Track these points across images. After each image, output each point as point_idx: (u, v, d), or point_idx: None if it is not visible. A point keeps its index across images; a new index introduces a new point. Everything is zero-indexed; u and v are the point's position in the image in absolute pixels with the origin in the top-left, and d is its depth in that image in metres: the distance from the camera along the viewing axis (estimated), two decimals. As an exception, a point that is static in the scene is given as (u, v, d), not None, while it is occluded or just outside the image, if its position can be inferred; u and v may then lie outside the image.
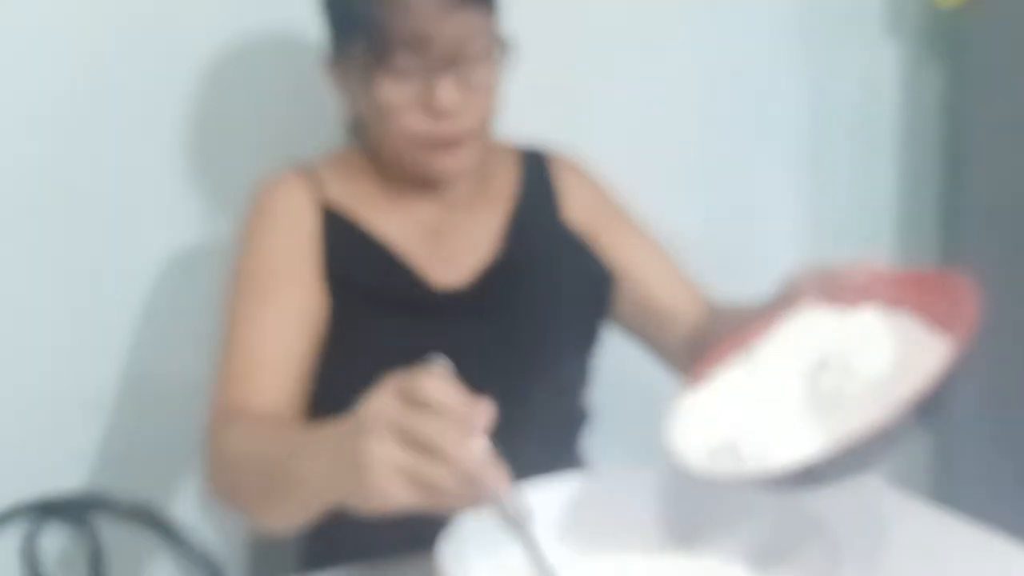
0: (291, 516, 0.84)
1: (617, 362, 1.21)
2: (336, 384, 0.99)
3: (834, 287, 0.81)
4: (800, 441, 0.69)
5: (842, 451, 0.60)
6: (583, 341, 1.13)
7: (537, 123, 1.21)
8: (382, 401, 0.65)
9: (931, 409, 0.63)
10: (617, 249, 1.15)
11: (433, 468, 0.63)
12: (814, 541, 0.72)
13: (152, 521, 1.35)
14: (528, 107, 1.17)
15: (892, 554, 0.91)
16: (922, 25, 1.76)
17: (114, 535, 1.35)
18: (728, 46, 1.63)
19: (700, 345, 1.06)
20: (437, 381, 0.64)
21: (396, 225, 1.06)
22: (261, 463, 0.82)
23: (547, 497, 0.80)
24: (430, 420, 0.63)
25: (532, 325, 1.04)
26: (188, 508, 1.40)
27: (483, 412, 0.64)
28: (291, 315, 0.99)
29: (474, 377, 0.70)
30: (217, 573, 1.35)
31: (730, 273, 1.10)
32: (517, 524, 0.67)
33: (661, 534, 0.82)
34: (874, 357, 0.72)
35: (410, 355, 0.99)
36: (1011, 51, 1.59)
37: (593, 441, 1.18)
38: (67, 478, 1.34)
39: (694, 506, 0.80)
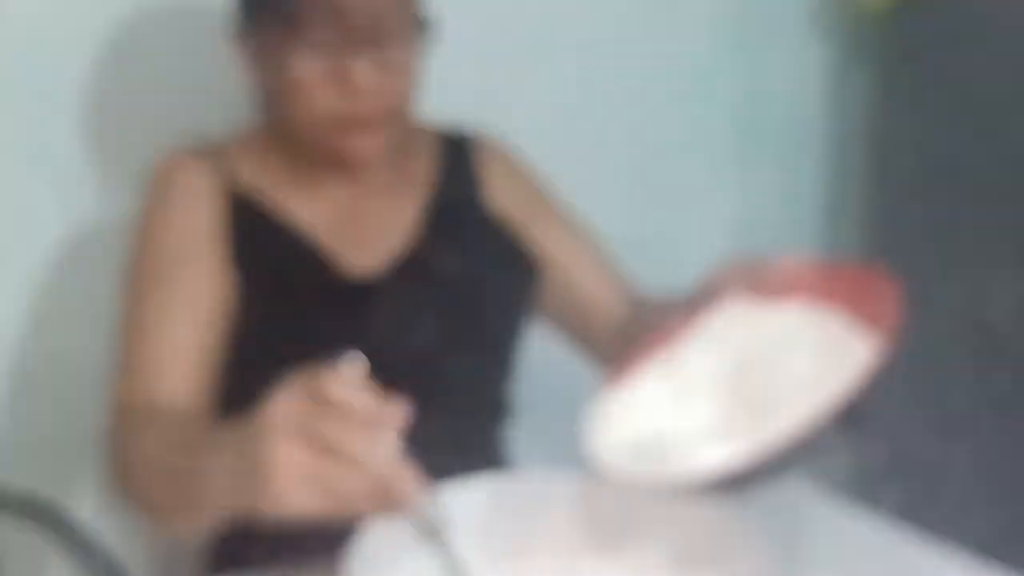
0: (196, 521, 0.80)
1: (541, 354, 1.18)
2: (246, 376, 0.94)
3: (758, 280, 0.80)
4: (724, 441, 0.68)
5: (765, 455, 0.60)
6: (503, 332, 1.10)
7: (460, 116, 1.18)
8: (286, 401, 0.61)
9: (854, 412, 0.63)
10: (543, 239, 1.12)
11: (340, 473, 0.59)
12: (738, 543, 0.70)
13: (48, 518, 1.28)
14: (452, 99, 1.14)
15: (815, 556, 0.90)
16: (849, 29, 1.79)
17: (7, 533, 1.28)
18: (657, 44, 1.64)
19: (626, 339, 1.04)
20: (344, 381, 0.60)
21: (307, 209, 1.02)
22: (165, 467, 0.78)
23: (464, 499, 0.77)
24: (337, 422, 0.59)
25: (448, 314, 1.01)
26: (87, 505, 1.34)
27: (394, 413, 0.61)
28: (194, 304, 0.95)
29: (388, 369, 0.66)
30: (119, 574, 1.29)
31: (656, 272, 1.09)
32: (430, 531, 0.64)
33: (582, 537, 0.79)
34: (797, 355, 0.71)
35: (321, 345, 0.96)
36: (936, 55, 1.62)
37: (516, 436, 1.16)
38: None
39: (616, 508, 0.77)
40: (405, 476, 0.61)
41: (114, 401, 0.93)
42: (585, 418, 0.74)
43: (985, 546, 0.92)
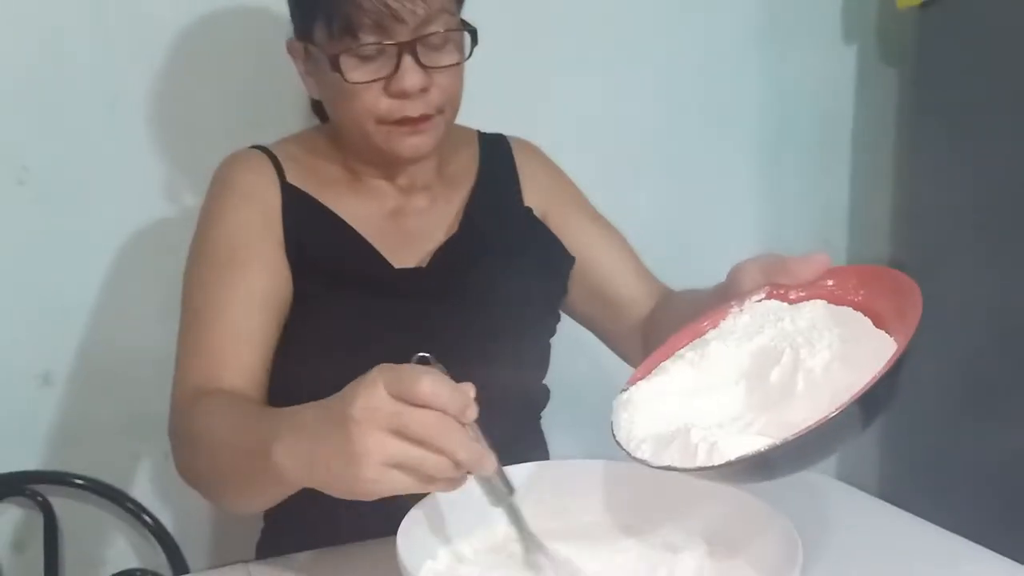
0: (257, 499, 0.85)
1: (573, 343, 1.22)
2: (294, 362, 1.01)
3: (782, 276, 0.82)
4: (747, 434, 0.70)
5: (787, 448, 0.61)
6: (542, 320, 1.14)
7: (497, 114, 1.21)
8: (374, 398, 0.66)
9: (874, 406, 0.64)
10: (574, 235, 1.16)
11: (430, 459, 0.66)
12: (763, 526, 0.75)
13: (109, 498, 1.35)
14: (489, 97, 1.17)
15: (841, 544, 0.94)
16: (879, 28, 1.79)
17: (70, 512, 1.34)
18: (690, 45, 1.65)
19: (652, 333, 1.08)
20: (433, 381, 0.66)
21: (356, 207, 1.07)
22: (236, 448, 0.81)
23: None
24: (429, 417, 0.66)
25: (490, 303, 1.05)
26: (145, 487, 1.40)
27: (472, 403, 0.68)
28: (256, 291, 0.99)
29: (436, 354, 0.72)
30: (175, 551, 1.35)
31: (682, 272, 1.11)
32: (505, 500, 0.72)
33: (614, 519, 0.84)
34: (821, 352, 0.72)
35: (369, 335, 1.01)
36: (966, 52, 1.60)
37: (549, 423, 1.20)
38: (21, 455, 1.34)
39: (645, 493, 0.82)
40: (487, 455, 0.69)
41: (179, 383, 0.96)
42: (611, 410, 0.76)
43: (1003, 540, 0.94)
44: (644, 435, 0.71)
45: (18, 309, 1.31)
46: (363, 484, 0.66)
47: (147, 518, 1.35)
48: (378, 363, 0.69)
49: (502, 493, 0.72)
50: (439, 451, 0.66)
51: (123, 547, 1.41)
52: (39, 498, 1.31)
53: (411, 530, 0.73)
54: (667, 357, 0.81)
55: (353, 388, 0.68)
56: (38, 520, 1.30)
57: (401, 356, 0.71)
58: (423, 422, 0.65)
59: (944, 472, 1.64)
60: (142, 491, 1.39)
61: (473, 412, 0.68)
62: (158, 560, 1.35)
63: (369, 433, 0.65)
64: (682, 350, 0.80)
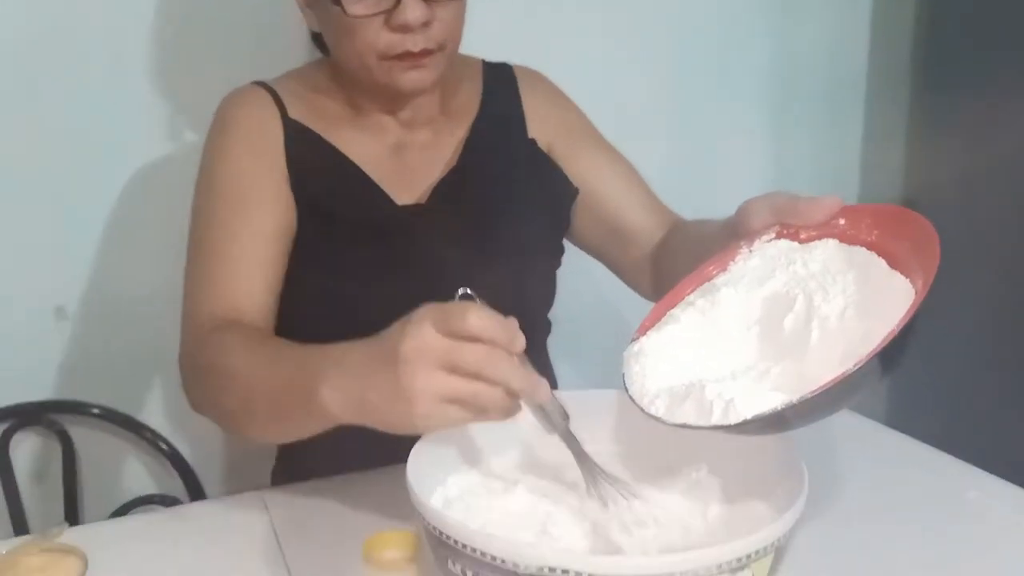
0: (291, 434, 0.84)
1: (581, 274, 1.22)
2: (297, 297, 1.01)
3: (793, 217, 0.79)
4: (762, 386, 0.68)
5: (804, 404, 0.60)
6: (545, 253, 1.14)
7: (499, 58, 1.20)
8: (424, 337, 0.67)
9: (894, 359, 0.62)
10: (584, 165, 1.15)
11: (483, 390, 0.67)
12: (778, 464, 0.73)
13: (125, 427, 1.37)
14: (491, 42, 1.16)
15: (848, 472, 0.96)
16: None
17: (88, 442, 1.37)
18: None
19: (663, 265, 1.07)
20: (479, 315, 0.66)
21: (358, 143, 1.06)
22: (274, 384, 0.81)
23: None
24: (480, 351, 0.66)
25: (490, 237, 1.05)
26: (161, 416, 1.42)
27: (520, 333, 0.68)
28: (265, 224, 0.99)
29: (433, 292, 0.72)
30: (192, 478, 1.38)
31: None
32: (561, 427, 0.72)
33: (621, 454, 0.83)
34: (835, 298, 0.70)
35: (370, 271, 1.01)
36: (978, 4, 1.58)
37: (555, 352, 1.20)
38: (38, 386, 1.35)
39: (655, 426, 0.82)
40: (540, 383, 0.69)
41: (190, 318, 0.97)
42: (621, 365, 0.75)
43: (1011, 467, 0.96)
44: (657, 389, 0.71)
45: (31, 245, 1.32)
46: (420, 420, 0.68)
47: (163, 446, 1.37)
48: (380, 298, 0.71)
49: (557, 420, 0.72)
50: (492, 382, 0.67)
51: (140, 474, 1.44)
52: (57, 428, 1.33)
53: (421, 457, 0.74)
54: (675, 304, 0.79)
55: (401, 328, 0.68)
56: (56, 450, 1.33)
57: (404, 290, 0.72)
58: (475, 355, 0.66)
59: (953, 400, 1.65)
60: (158, 420, 1.41)
61: (522, 342, 0.68)
62: (175, 487, 1.38)
63: (421, 371, 0.66)
64: (691, 296, 0.79)
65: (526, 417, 0.71)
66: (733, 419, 0.63)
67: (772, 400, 0.62)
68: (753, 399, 0.63)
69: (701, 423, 0.65)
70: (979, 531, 0.86)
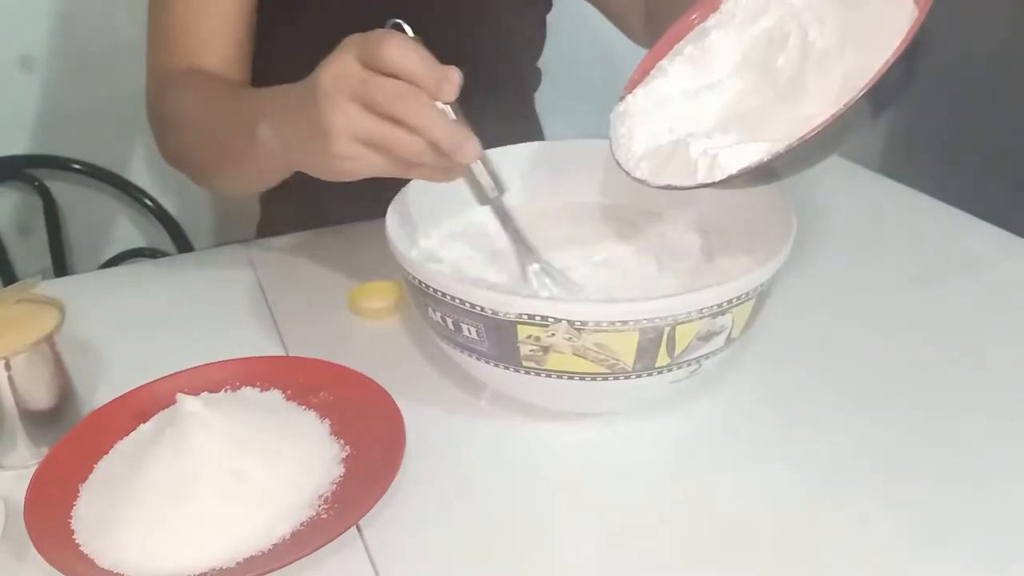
0: (249, 181, 0.83)
1: (572, 20, 1.16)
2: (280, 41, 0.95)
3: None
4: (756, 134, 0.64)
5: (791, 153, 0.56)
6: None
7: None
8: (343, 65, 0.60)
9: (887, 95, 0.58)
10: None
11: (401, 137, 0.60)
12: (765, 212, 0.72)
13: (108, 182, 1.35)
14: None
15: (840, 219, 0.95)
16: None
17: (70, 197, 1.35)
18: None
19: (656, 5, 1.01)
20: (402, 45, 0.59)
21: None
22: (217, 126, 0.78)
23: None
24: (396, 86, 0.59)
25: None
26: (143, 172, 1.40)
27: (451, 78, 0.60)
28: None
29: (424, 36, 0.67)
30: (178, 231, 1.37)
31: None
32: (491, 199, 0.65)
33: (609, 202, 0.82)
34: (830, 32, 0.65)
35: (355, 13, 0.95)
36: None
37: (544, 105, 1.17)
38: (15, 140, 1.32)
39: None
40: (467, 140, 0.61)
41: (152, 70, 0.92)
42: (609, 125, 0.70)
43: (999, 213, 0.95)
44: (643, 151, 0.67)
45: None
46: (336, 162, 0.62)
47: (148, 202, 1.36)
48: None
49: (489, 189, 0.65)
50: (409, 127, 0.60)
51: (128, 229, 1.43)
52: (36, 183, 1.31)
53: (404, 206, 0.72)
54: (664, 54, 0.73)
55: (326, 59, 0.62)
56: (38, 204, 1.31)
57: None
58: (389, 90, 0.59)
59: (948, 147, 1.63)
60: (141, 176, 1.39)
61: (451, 90, 0.60)
62: (163, 241, 1.38)
63: (337, 104, 0.60)
64: (680, 44, 0.73)
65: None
66: (718, 175, 0.59)
67: (758, 151, 0.59)
68: (740, 151, 0.60)
69: (687, 183, 0.61)
70: (973, 276, 0.86)
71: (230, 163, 0.80)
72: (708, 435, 0.67)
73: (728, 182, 0.59)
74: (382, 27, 0.63)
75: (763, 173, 0.59)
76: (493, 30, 0.99)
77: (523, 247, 0.69)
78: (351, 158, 0.61)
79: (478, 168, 0.64)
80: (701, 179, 0.61)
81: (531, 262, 0.69)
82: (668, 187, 0.63)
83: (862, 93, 0.55)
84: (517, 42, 1.07)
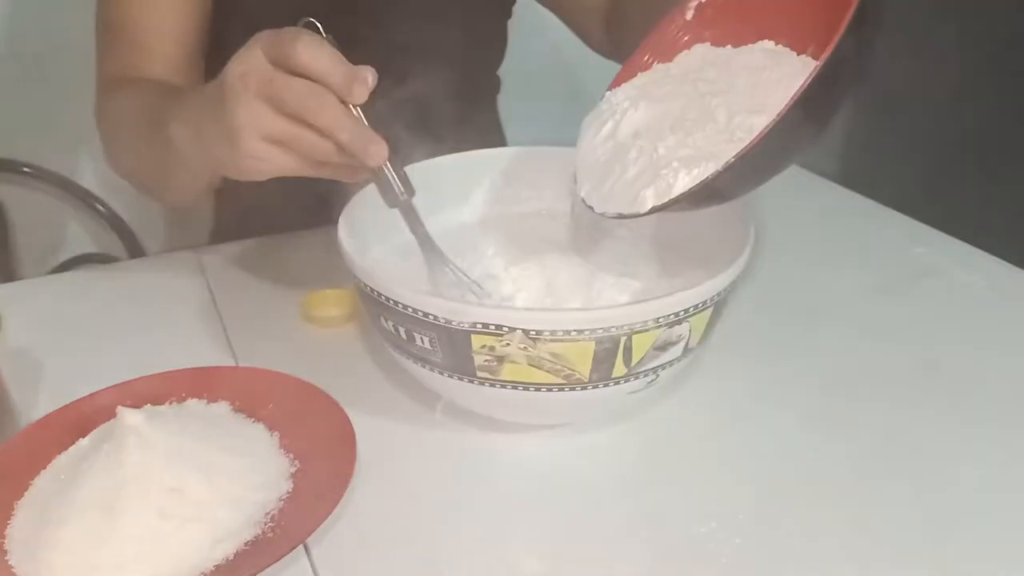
0: (184, 188, 0.80)
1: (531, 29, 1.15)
2: (225, 43, 0.93)
3: None
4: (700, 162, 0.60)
5: (734, 168, 0.54)
6: (495, 1, 1.06)
7: None
8: (251, 62, 0.59)
9: (823, 101, 0.55)
10: None
11: (307, 136, 0.59)
12: (721, 225, 0.70)
13: (58, 186, 1.32)
14: None
15: (797, 228, 0.94)
16: None
17: (17, 201, 1.32)
18: None
19: (615, 17, 1.00)
20: (313, 44, 0.57)
21: None
22: (143, 134, 0.76)
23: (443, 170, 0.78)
24: (304, 86, 0.57)
25: None
26: (93, 178, 1.36)
27: (362, 79, 0.58)
28: None
29: (371, 41, 0.65)
30: (131, 238, 1.35)
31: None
32: (398, 201, 0.64)
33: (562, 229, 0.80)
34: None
35: (308, 15, 0.94)
36: None
37: (505, 108, 1.15)
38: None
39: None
40: (374, 142, 0.59)
41: (98, 80, 0.89)
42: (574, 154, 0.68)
43: (952, 220, 0.95)
44: (593, 183, 0.64)
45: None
46: (245, 161, 0.60)
47: (100, 207, 1.33)
48: None
49: (396, 192, 0.63)
50: (317, 128, 0.58)
51: (78, 234, 1.40)
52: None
53: (355, 214, 0.70)
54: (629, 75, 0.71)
55: (235, 55, 0.60)
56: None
57: (341, 39, 0.64)
58: (296, 90, 0.57)
59: (906, 157, 1.64)
60: (90, 180, 1.35)
61: (362, 92, 0.58)
62: (114, 246, 1.34)
63: (244, 102, 0.58)
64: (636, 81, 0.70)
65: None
66: (672, 193, 0.57)
67: (702, 171, 0.57)
68: (682, 176, 0.58)
69: (635, 210, 0.59)
70: (927, 285, 0.86)
71: (160, 171, 0.78)
72: (664, 447, 0.66)
73: (681, 201, 0.57)
74: (342, 32, 0.62)
75: (709, 194, 0.57)
76: (456, 36, 0.98)
77: (432, 252, 0.68)
78: (259, 158, 0.60)
79: (387, 170, 0.62)
80: (651, 204, 0.58)
81: (441, 267, 0.68)
82: (619, 216, 0.61)
83: (793, 104, 0.52)
84: (479, 48, 1.06)
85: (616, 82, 0.71)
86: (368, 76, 0.58)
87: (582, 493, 0.62)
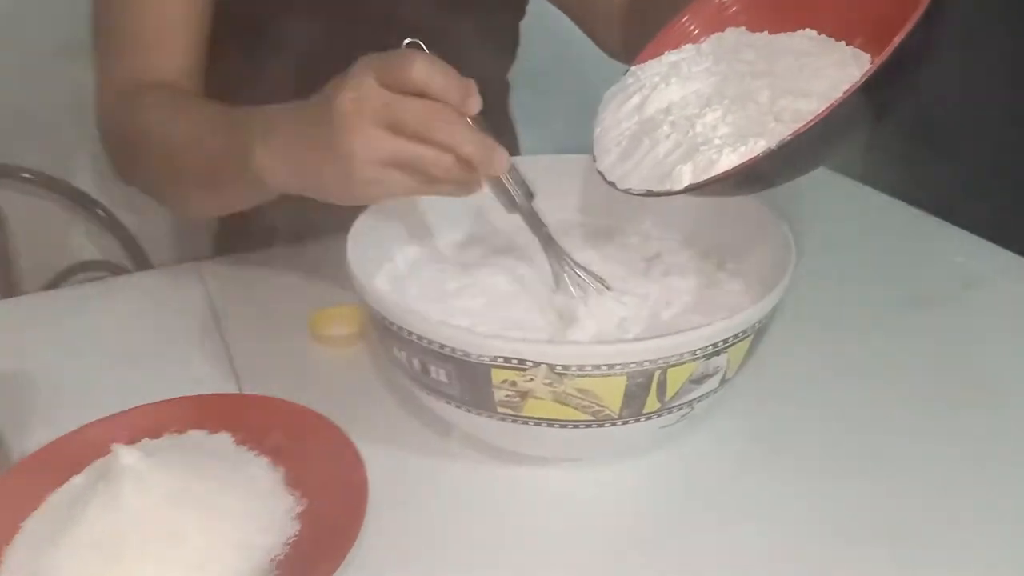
0: (224, 204, 0.77)
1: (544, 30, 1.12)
2: (234, 62, 0.88)
3: None
4: (738, 143, 0.57)
5: (784, 148, 0.51)
6: (507, 1, 1.03)
7: None
8: (363, 88, 0.57)
9: (886, 90, 0.52)
10: None
11: (430, 154, 0.57)
12: (754, 226, 0.67)
13: (62, 193, 1.28)
14: None
15: (832, 232, 0.91)
16: None
17: (19, 207, 1.28)
18: None
19: (630, 20, 0.96)
20: (428, 63, 0.57)
21: None
22: (203, 150, 0.72)
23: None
24: (425, 106, 0.57)
25: None
26: (97, 184, 1.33)
27: (474, 91, 0.58)
28: None
29: (391, 46, 0.61)
30: (133, 244, 1.31)
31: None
32: (522, 206, 0.63)
33: (589, 223, 0.77)
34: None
35: (316, 22, 0.89)
36: None
37: (518, 112, 1.12)
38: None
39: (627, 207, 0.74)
40: (496, 151, 0.59)
41: (104, 82, 0.85)
42: (591, 139, 0.66)
43: (985, 226, 0.92)
44: (621, 164, 0.62)
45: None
46: (360, 187, 0.59)
47: (101, 212, 1.29)
48: (325, 52, 0.61)
49: (519, 198, 0.63)
50: (440, 145, 0.57)
51: (80, 241, 1.36)
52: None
53: (365, 233, 0.66)
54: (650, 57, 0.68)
55: (339, 81, 0.58)
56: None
57: (350, 46, 0.61)
58: (418, 111, 0.57)
59: (945, 159, 1.60)
60: (92, 185, 1.31)
61: (477, 103, 0.58)
62: (117, 252, 1.31)
63: (360, 129, 0.57)
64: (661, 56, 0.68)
65: (487, 191, 0.62)
66: (707, 176, 0.54)
67: (750, 148, 0.53)
68: (726, 153, 0.54)
69: (668, 187, 0.56)
70: (969, 296, 0.82)
71: (207, 186, 0.74)
72: (694, 481, 0.62)
73: (715, 186, 0.54)
74: (353, 35, 0.63)
75: (752, 177, 0.54)
76: (470, 36, 0.94)
77: (555, 252, 0.66)
78: (375, 182, 0.58)
79: (508, 177, 0.62)
80: (688, 181, 0.55)
81: (564, 267, 0.65)
82: (649, 193, 0.58)
83: (844, 98, 0.49)
84: (492, 49, 1.02)
85: (642, 58, 0.68)
86: (475, 87, 0.58)
87: (607, 529, 0.58)
